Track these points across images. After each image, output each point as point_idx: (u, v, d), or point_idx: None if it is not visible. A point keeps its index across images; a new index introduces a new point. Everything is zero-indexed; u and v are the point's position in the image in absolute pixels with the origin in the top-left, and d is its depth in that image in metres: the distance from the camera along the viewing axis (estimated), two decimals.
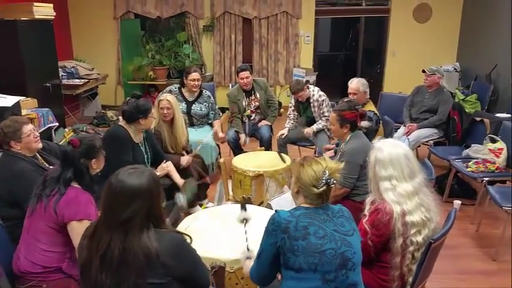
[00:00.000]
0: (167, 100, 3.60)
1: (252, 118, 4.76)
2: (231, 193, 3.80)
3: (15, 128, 2.59)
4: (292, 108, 4.70)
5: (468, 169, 3.75)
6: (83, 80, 6.27)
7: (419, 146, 4.70)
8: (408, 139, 4.44)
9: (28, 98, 4.85)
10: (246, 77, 4.56)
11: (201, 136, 4.33)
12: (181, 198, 3.09)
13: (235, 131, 4.58)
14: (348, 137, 2.91)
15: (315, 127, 4.40)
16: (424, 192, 2.07)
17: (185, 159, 3.63)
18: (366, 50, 7.91)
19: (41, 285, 2.12)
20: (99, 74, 6.83)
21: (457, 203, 3.93)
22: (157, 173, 3.26)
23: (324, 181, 1.71)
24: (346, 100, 3.55)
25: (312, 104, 4.51)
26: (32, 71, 5.16)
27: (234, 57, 7.63)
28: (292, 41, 7.57)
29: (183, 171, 3.62)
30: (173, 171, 3.39)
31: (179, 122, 3.70)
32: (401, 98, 5.17)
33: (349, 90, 4.03)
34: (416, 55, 7.27)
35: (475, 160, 3.83)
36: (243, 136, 4.52)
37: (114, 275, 1.52)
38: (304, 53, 7.68)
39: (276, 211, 1.77)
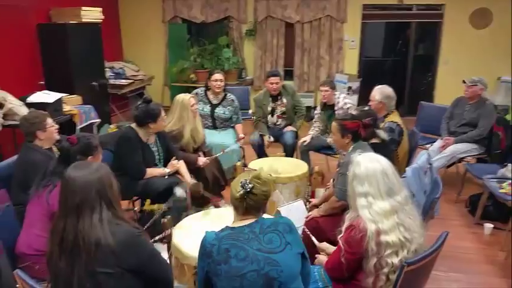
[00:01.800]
0: (192, 97, 3.83)
1: (277, 123, 4.73)
2: None
3: (41, 119, 2.89)
4: (318, 115, 4.62)
5: (501, 190, 3.46)
6: (128, 81, 6.57)
7: (458, 162, 4.39)
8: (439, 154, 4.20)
9: (73, 96, 5.22)
10: (276, 83, 4.55)
11: (223, 139, 4.39)
12: (178, 192, 3.14)
13: (260, 134, 4.59)
14: (350, 148, 2.80)
15: None
16: (406, 211, 1.94)
17: (202, 160, 3.74)
18: (417, 56, 7.54)
19: (34, 266, 2.27)
20: (144, 75, 7.14)
21: (488, 226, 3.65)
22: (167, 170, 3.36)
23: (240, 184, 1.68)
24: (363, 109, 3.44)
25: (336, 112, 4.41)
26: (79, 70, 5.51)
27: (275, 61, 7.63)
28: (336, 46, 7.42)
29: (197, 171, 3.71)
30: (183, 169, 3.47)
31: (199, 120, 3.92)
32: (442, 110, 4.86)
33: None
34: (472, 64, 6.75)
35: (510, 181, 3.52)
36: (266, 137, 4.52)
37: (69, 259, 1.61)
38: (348, 58, 7.50)
39: (206, 232, 1.74)
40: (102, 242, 1.59)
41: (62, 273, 1.63)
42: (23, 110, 4.23)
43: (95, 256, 1.58)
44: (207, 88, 4.52)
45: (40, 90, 4.81)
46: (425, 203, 2.68)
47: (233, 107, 4.56)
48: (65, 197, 1.65)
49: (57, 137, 2.96)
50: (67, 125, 4.95)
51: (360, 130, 2.79)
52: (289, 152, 4.52)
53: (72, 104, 5.10)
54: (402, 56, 7.60)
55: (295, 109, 4.75)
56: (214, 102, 4.51)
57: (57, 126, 2.97)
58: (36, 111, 2.95)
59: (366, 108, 3.39)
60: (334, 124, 2.88)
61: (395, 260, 1.86)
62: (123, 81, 6.46)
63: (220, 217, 2.84)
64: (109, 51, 7.01)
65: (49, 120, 2.89)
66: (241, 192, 1.69)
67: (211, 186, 3.73)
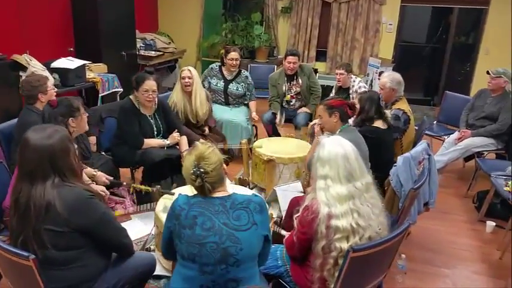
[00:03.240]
0: (188, 70, 3.82)
1: (291, 104, 4.69)
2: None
3: (43, 82, 3.03)
4: None
5: (505, 188, 3.27)
6: (158, 53, 6.70)
7: (474, 157, 4.17)
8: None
9: (99, 64, 5.41)
10: (294, 62, 4.50)
11: (234, 115, 4.42)
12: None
13: (272, 112, 4.57)
14: (338, 131, 2.75)
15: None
16: (364, 198, 1.90)
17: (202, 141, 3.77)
18: (456, 45, 7.13)
19: None
20: (175, 48, 7.24)
21: (489, 224, 3.49)
22: (167, 142, 3.44)
23: (193, 175, 1.69)
24: (365, 92, 3.36)
25: (351, 96, 4.30)
26: (109, 39, 5.67)
27: (308, 41, 7.48)
28: (373, 29, 7.15)
29: None
30: (183, 143, 3.54)
31: (197, 94, 3.86)
32: (467, 101, 4.63)
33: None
34: None
35: None
36: (278, 116, 4.50)
37: (21, 219, 1.72)
38: (384, 42, 7.21)
39: (179, 195, 1.79)
40: (50, 204, 1.68)
41: (14, 230, 1.76)
42: (45, 75, 4.44)
43: (45, 217, 1.68)
44: (223, 63, 4.54)
45: (70, 56, 5.03)
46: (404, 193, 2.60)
47: (247, 83, 4.55)
48: (21, 162, 1.76)
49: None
50: (91, 92, 5.20)
51: (346, 109, 2.72)
52: (302, 133, 4.48)
53: (97, 71, 5.29)
54: (441, 43, 7.22)
55: (311, 90, 4.68)
56: (229, 78, 4.52)
57: (56, 89, 3.10)
58: (37, 75, 3.08)
59: (368, 91, 3.30)
60: (320, 106, 2.84)
61: (345, 245, 1.84)
62: (153, 53, 6.59)
63: None
64: (144, 23, 7.18)
65: (49, 83, 3.03)
66: (199, 180, 1.70)
67: None
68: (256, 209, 1.74)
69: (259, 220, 1.73)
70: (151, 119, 3.44)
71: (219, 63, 4.60)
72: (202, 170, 1.70)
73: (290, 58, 4.50)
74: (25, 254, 1.66)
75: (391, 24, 7.09)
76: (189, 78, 3.79)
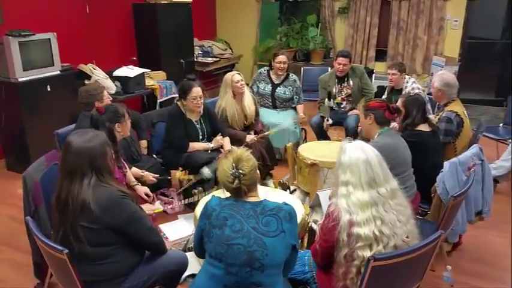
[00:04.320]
0: (238, 74, 3.90)
1: (342, 106, 4.59)
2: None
3: (99, 91, 3.28)
4: (385, 100, 4.36)
5: None
6: (214, 59, 6.89)
7: None
8: None
9: (158, 71, 5.69)
10: (344, 64, 4.40)
11: (280, 119, 4.41)
12: (205, 172, 3.28)
13: (321, 116, 4.51)
14: (376, 135, 2.64)
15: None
16: (389, 205, 1.82)
17: (250, 137, 3.85)
18: None
19: None
20: (231, 54, 7.39)
21: None
22: (211, 145, 3.54)
23: (231, 176, 1.72)
24: (411, 95, 3.21)
25: None
26: (168, 48, 5.96)
27: (367, 41, 7.26)
28: (436, 26, 6.78)
29: (251, 147, 3.81)
30: (227, 144, 3.62)
31: (248, 97, 3.95)
32: None
33: None
34: None
35: None
36: (325, 120, 4.42)
37: (60, 215, 1.88)
38: (449, 39, 6.80)
39: (212, 196, 1.85)
40: (86, 202, 1.82)
41: (56, 225, 1.93)
42: (108, 83, 4.77)
43: (80, 214, 1.82)
44: (271, 67, 4.55)
45: (133, 65, 5.35)
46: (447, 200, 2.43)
47: (295, 87, 4.53)
48: (63, 162, 1.92)
49: None
50: (150, 98, 5.48)
51: (385, 112, 2.60)
52: (350, 136, 4.36)
53: (157, 78, 5.57)
54: None
55: (363, 92, 4.55)
56: (276, 82, 4.53)
57: (111, 98, 3.33)
58: (94, 84, 3.32)
59: (412, 91, 3.13)
60: (360, 106, 2.75)
61: (368, 254, 1.76)
62: (209, 59, 6.78)
63: None
64: (202, 30, 7.42)
65: (105, 93, 3.27)
66: (236, 181, 1.75)
67: None
68: (286, 217, 1.75)
69: (288, 228, 1.74)
70: (198, 123, 3.55)
71: (267, 68, 4.62)
72: (241, 171, 1.74)
73: (340, 59, 4.41)
74: (60, 248, 1.81)
75: (457, 20, 6.67)
76: (242, 80, 3.89)
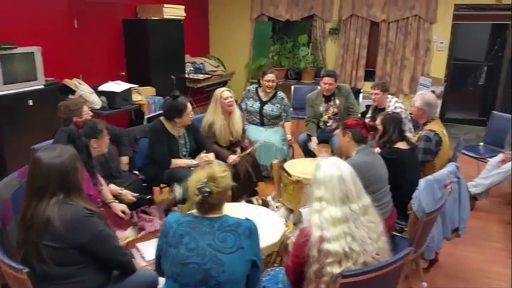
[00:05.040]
0: (228, 90, 3.94)
1: (328, 124, 4.66)
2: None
3: (79, 107, 3.23)
4: (369, 119, 4.43)
5: None
6: (206, 76, 6.98)
7: None
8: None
9: (147, 87, 5.73)
10: (330, 83, 4.48)
11: (268, 136, 4.47)
12: (177, 190, 3.20)
13: (308, 134, 4.57)
14: (354, 153, 2.70)
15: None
16: (360, 222, 1.86)
17: (232, 158, 3.81)
18: None
19: None
20: (223, 71, 7.50)
21: None
22: (194, 162, 3.55)
23: (198, 191, 1.71)
24: (389, 113, 3.29)
25: None
26: (158, 63, 6.01)
27: (356, 61, 7.42)
28: (423, 47, 6.95)
29: (235, 166, 3.84)
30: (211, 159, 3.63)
31: (237, 114, 3.98)
32: None
33: None
34: None
35: None
36: (313, 139, 4.47)
37: (24, 234, 1.84)
38: (436, 60, 6.97)
39: (172, 213, 1.86)
40: (50, 220, 1.78)
41: (19, 244, 1.87)
42: (93, 97, 4.80)
43: (44, 232, 1.78)
44: (259, 85, 4.63)
45: (121, 80, 5.39)
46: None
47: (282, 104, 4.60)
48: (32, 179, 1.86)
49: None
50: (137, 114, 5.50)
51: (362, 130, 2.66)
52: (337, 154, 4.42)
53: (145, 94, 5.59)
54: (497, 61, 6.81)
55: (349, 111, 4.62)
56: (264, 99, 4.60)
57: (91, 113, 3.31)
58: (75, 99, 3.30)
59: (395, 111, 3.20)
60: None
61: (337, 270, 1.79)
62: (201, 76, 6.88)
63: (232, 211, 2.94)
64: (195, 47, 7.53)
65: (85, 108, 3.22)
66: (200, 197, 1.73)
67: (242, 181, 3.75)
68: (245, 233, 1.73)
69: (247, 244, 1.72)
70: (181, 139, 3.57)
71: (256, 85, 4.70)
72: (208, 189, 1.71)
73: (326, 79, 4.49)
74: (19, 267, 1.75)
75: (442, 42, 6.85)
76: (231, 97, 3.91)
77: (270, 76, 4.50)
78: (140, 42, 5.87)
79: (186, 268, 1.67)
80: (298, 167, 3.75)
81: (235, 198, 3.77)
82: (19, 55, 4.15)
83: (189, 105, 3.44)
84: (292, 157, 4.82)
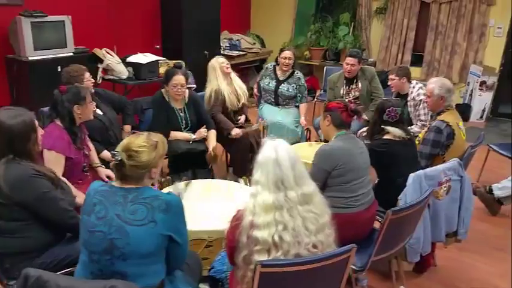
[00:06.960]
0: (221, 57, 4.02)
1: None
2: None
3: (80, 73, 3.23)
4: None
5: None
6: (240, 53, 6.85)
7: None
8: None
9: (177, 61, 5.71)
10: (352, 64, 4.23)
11: (281, 117, 4.31)
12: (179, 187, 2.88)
13: None
14: (333, 138, 2.47)
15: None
16: (297, 211, 1.69)
17: (236, 131, 3.79)
18: None
19: None
20: (260, 49, 7.31)
21: None
22: (193, 136, 3.52)
23: (111, 154, 1.70)
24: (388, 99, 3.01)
25: (408, 103, 3.88)
26: (192, 38, 5.96)
27: (403, 44, 6.90)
28: (477, 32, 6.30)
29: (239, 140, 3.80)
30: (211, 139, 3.59)
31: (237, 78, 4.08)
32: None
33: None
34: None
35: None
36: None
37: None
38: (491, 48, 6.30)
39: (95, 181, 1.83)
40: None
41: None
42: (120, 67, 4.88)
43: None
44: (277, 63, 4.45)
45: (156, 54, 5.43)
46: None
47: (298, 85, 4.39)
48: None
49: (92, 90, 3.27)
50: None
51: (342, 113, 2.42)
52: None
53: None
54: None
55: (372, 95, 4.33)
56: (281, 78, 4.41)
57: (92, 81, 3.33)
58: (76, 65, 3.32)
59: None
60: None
61: (264, 259, 1.66)
62: (235, 53, 6.75)
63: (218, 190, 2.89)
64: (235, 23, 7.41)
65: (86, 75, 3.23)
66: (113, 162, 1.70)
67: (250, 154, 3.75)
68: (161, 207, 1.65)
69: (161, 219, 1.64)
70: (181, 112, 3.54)
71: (274, 63, 4.53)
72: (119, 158, 1.66)
73: (348, 59, 4.23)
74: None
75: (500, 27, 6.16)
76: (227, 64, 3.97)
77: (287, 53, 4.30)
78: (175, 16, 5.84)
79: (93, 236, 1.65)
80: (302, 151, 3.57)
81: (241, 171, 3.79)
82: (49, 23, 4.35)
83: (176, 77, 3.37)
84: (308, 140, 4.62)
